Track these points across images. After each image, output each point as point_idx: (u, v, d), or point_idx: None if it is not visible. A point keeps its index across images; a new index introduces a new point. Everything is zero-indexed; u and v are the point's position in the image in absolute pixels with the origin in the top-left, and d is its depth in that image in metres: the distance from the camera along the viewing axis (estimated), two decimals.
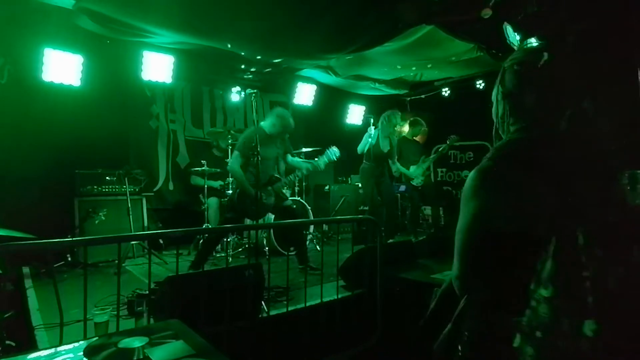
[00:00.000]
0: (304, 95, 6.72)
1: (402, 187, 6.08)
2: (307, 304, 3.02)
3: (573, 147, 0.94)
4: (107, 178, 4.81)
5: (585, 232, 0.87)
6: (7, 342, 2.27)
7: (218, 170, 5.10)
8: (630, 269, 0.86)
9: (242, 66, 5.75)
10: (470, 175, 1.06)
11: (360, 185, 6.18)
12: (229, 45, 4.74)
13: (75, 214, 4.53)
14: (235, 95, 6.18)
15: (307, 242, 5.20)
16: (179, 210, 5.72)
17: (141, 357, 1.00)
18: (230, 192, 4.79)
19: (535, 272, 0.92)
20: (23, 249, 2.20)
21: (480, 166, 1.05)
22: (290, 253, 4.18)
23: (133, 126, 5.57)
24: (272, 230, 4.75)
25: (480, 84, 6.77)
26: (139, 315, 2.72)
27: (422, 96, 7.92)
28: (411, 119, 6.39)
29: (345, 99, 7.66)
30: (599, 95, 0.95)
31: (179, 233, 2.89)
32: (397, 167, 5.62)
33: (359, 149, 5.33)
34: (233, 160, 3.98)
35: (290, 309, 3.00)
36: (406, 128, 6.47)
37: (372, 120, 5.25)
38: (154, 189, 5.61)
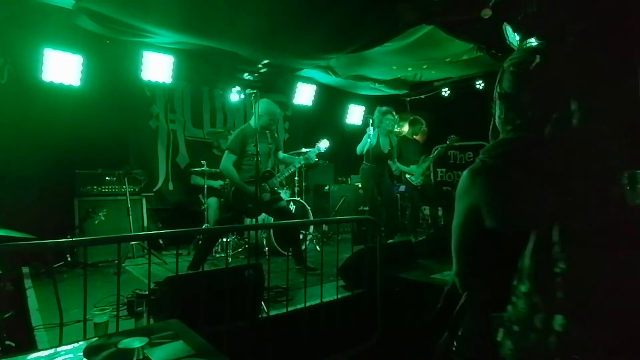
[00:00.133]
0: (304, 95, 6.73)
1: (402, 187, 6.09)
2: (307, 304, 3.02)
3: (563, 148, 0.95)
4: (107, 178, 4.81)
5: (561, 229, 0.89)
6: (7, 342, 2.27)
7: (218, 170, 5.10)
8: (608, 266, 0.88)
9: (243, 67, 5.75)
10: (463, 174, 1.09)
11: (360, 185, 6.18)
12: (232, 45, 4.75)
13: (75, 214, 4.53)
14: (235, 95, 6.18)
15: (307, 242, 5.20)
16: (179, 211, 5.73)
17: (141, 357, 1.00)
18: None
19: (517, 269, 0.95)
20: (23, 249, 2.21)
21: (473, 166, 1.08)
22: (289, 253, 4.18)
23: (133, 126, 5.57)
24: (271, 231, 4.75)
25: (480, 84, 6.77)
26: (139, 315, 2.72)
27: (422, 96, 7.92)
28: (411, 118, 6.39)
29: (345, 99, 7.66)
30: (597, 95, 0.95)
31: (178, 233, 2.89)
32: (397, 165, 5.62)
33: (358, 149, 5.33)
34: (225, 160, 3.95)
35: (290, 309, 3.00)
36: (406, 127, 6.46)
37: (371, 121, 5.25)
38: (154, 189, 5.61)
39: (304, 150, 5.80)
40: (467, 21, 4.04)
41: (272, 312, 2.95)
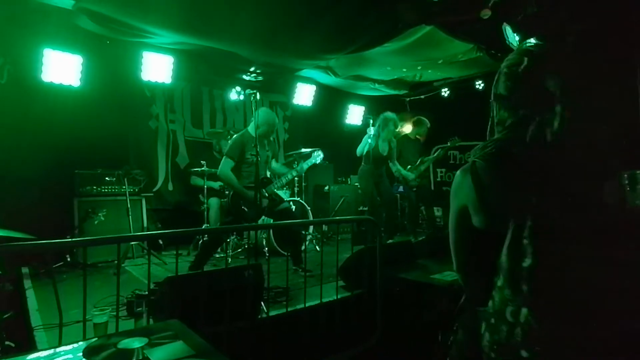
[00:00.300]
0: (304, 95, 6.72)
1: (401, 188, 6.08)
2: (307, 305, 3.02)
3: (545, 148, 0.97)
4: (107, 178, 4.81)
5: (531, 225, 0.92)
6: (7, 342, 2.27)
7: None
8: (574, 261, 0.90)
9: (243, 68, 5.75)
10: (457, 174, 1.14)
11: (359, 185, 6.19)
12: (232, 45, 4.75)
13: (75, 214, 4.53)
14: (235, 95, 6.18)
15: (307, 243, 5.20)
16: (179, 211, 5.73)
17: (141, 357, 1.00)
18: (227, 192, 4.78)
19: (497, 265, 0.99)
20: (22, 250, 2.20)
21: (465, 166, 1.12)
22: (289, 254, 4.18)
23: (133, 126, 5.56)
24: (271, 231, 4.75)
25: (479, 85, 6.77)
26: (139, 315, 2.71)
27: (422, 96, 7.92)
28: (415, 118, 6.35)
29: (345, 99, 7.66)
30: (596, 95, 0.96)
31: (178, 233, 2.88)
32: (397, 168, 5.62)
33: (358, 151, 5.33)
34: (223, 165, 3.92)
35: (289, 309, 3.00)
36: (409, 127, 6.44)
37: (371, 121, 5.25)
38: (154, 189, 5.61)
39: (303, 150, 5.81)
40: (466, 21, 4.05)
41: (272, 313, 2.95)
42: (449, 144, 6.08)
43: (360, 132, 5.74)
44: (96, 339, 1.14)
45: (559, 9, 1.10)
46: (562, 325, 0.88)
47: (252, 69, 5.87)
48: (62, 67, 4.52)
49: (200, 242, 4.88)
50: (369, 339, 3.14)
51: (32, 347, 2.43)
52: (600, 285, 0.88)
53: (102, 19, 4.02)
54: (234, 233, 4.91)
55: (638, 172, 0.90)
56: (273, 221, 4.15)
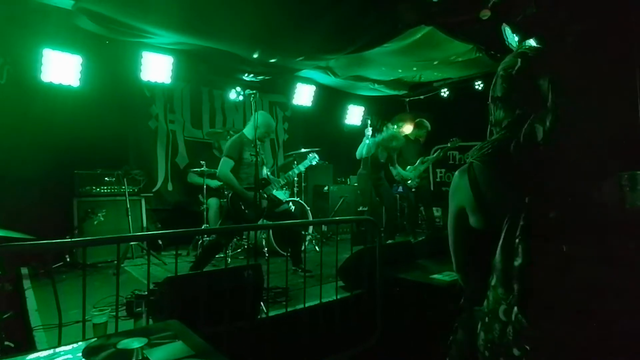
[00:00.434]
0: (303, 95, 6.73)
1: (401, 188, 6.09)
2: (307, 305, 3.02)
3: (536, 149, 0.99)
4: (106, 178, 4.81)
5: (523, 224, 0.93)
6: (6, 342, 2.27)
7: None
8: (564, 261, 0.91)
9: (242, 68, 5.74)
10: (455, 175, 1.17)
11: (358, 187, 6.19)
12: (232, 46, 4.75)
13: (74, 214, 4.53)
14: (235, 95, 6.18)
15: (307, 243, 5.20)
16: (178, 211, 5.72)
17: (140, 357, 1.00)
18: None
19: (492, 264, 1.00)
20: (22, 250, 2.20)
21: (462, 167, 1.14)
22: (289, 254, 4.18)
23: (132, 126, 5.56)
24: (271, 231, 4.75)
25: (479, 85, 6.77)
26: (138, 316, 2.71)
27: (421, 97, 7.92)
28: (416, 120, 6.34)
29: (345, 99, 7.66)
30: (595, 95, 0.97)
31: (178, 233, 2.88)
32: (397, 171, 5.63)
33: (357, 154, 5.33)
34: (223, 166, 3.90)
35: (289, 309, 3.00)
36: (409, 128, 6.43)
37: (369, 122, 5.26)
38: (153, 190, 5.61)
39: (303, 151, 5.81)
40: (466, 22, 4.04)
41: (272, 313, 2.95)
42: (449, 145, 6.08)
43: (360, 132, 5.74)
44: (96, 339, 1.14)
45: (558, 10, 1.11)
46: (553, 324, 0.89)
47: (251, 69, 5.87)
48: (61, 67, 4.52)
49: (200, 243, 4.88)
50: (369, 339, 3.14)
51: (31, 348, 2.43)
52: (596, 285, 0.88)
53: (102, 19, 4.02)
54: (234, 238, 4.90)
55: (638, 172, 0.91)
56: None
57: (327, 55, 5.32)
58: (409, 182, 5.86)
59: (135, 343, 1.04)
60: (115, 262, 3.33)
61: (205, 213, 5.10)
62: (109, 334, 1.81)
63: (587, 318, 0.87)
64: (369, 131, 5.17)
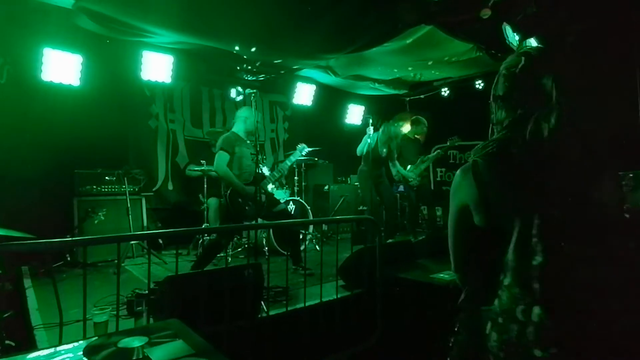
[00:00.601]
0: (304, 95, 6.72)
1: (401, 187, 6.09)
2: (307, 304, 3.02)
3: (542, 147, 0.98)
4: (107, 178, 4.81)
5: (540, 223, 0.93)
6: (7, 341, 2.27)
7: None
8: (584, 259, 0.90)
9: (242, 67, 5.75)
10: (457, 173, 1.15)
11: (359, 186, 6.19)
12: (232, 45, 4.75)
13: (75, 213, 4.53)
14: (235, 95, 6.17)
15: (307, 242, 5.20)
16: (179, 210, 5.72)
17: (141, 356, 1.00)
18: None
19: (503, 263, 0.99)
20: (22, 249, 2.20)
21: (464, 165, 1.13)
22: (289, 253, 4.18)
23: (132, 126, 5.56)
24: (271, 230, 4.75)
25: (479, 84, 6.77)
26: (139, 315, 2.72)
27: (422, 96, 7.92)
28: (413, 117, 6.35)
29: (345, 98, 7.66)
30: (595, 95, 0.97)
31: (178, 233, 2.89)
32: (397, 169, 5.63)
33: (358, 151, 5.33)
34: (219, 160, 3.88)
35: (289, 308, 3.00)
36: (407, 127, 6.44)
37: (370, 121, 5.25)
38: (154, 189, 5.61)
39: (301, 147, 5.80)
40: (466, 21, 4.04)
41: (272, 312, 2.95)
42: (448, 144, 6.08)
43: (360, 131, 5.74)
44: (96, 338, 1.14)
45: (558, 9, 1.11)
46: (577, 323, 0.88)
47: (251, 69, 5.87)
48: (62, 67, 4.52)
49: (200, 242, 4.89)
50: (369, 338, 3.14)
51: (32, 346, 2.44)
52: (613, 284, 0.88)
53: (102, 18, 4.02)
54: (234, 237, 4.90)
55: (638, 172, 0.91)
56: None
57: (327, 55, 5.32)
58: (411, 181, 5.86)
59: (135, 342, 1.05)
60: (116, 261, 3.33)
61: (205, 212, 5.10)
62: (109, 332, 1.81)
63: (614, 318, 0.86)
64: (370, 130, 5.16)
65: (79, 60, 4.62)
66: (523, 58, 1.06)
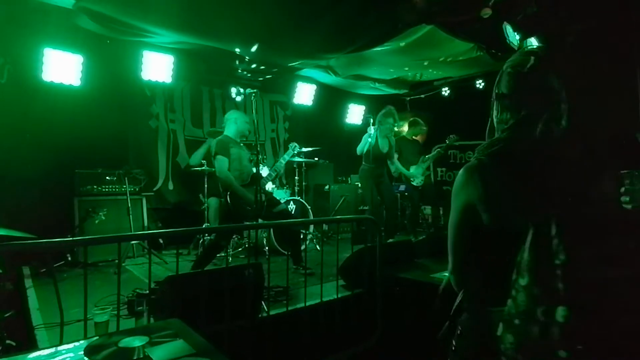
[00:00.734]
0: (304, 95, 6.73)
1: (402, 187, 6.09)
2: (307, 304, 3.02)
3: (551, 148, 0.98)
4: (107, 178, 4.81)
5: (558, 223, 0.91)
6: (8, 341, 2.28)
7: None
8: (604, 258, 0.90)
9: (242, 67, 5.75)
10: (459, 172, 1.13)
11: (359, 185, 6.19)
12: (232, 45, 4.75)
13: (75, 213, 4.53)
14: (235, 94, 6.18)
15: (307, 242, 5.20)
16: (179, 210, 5.73)
17: (141, 356, 1.00)
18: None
19: (516, 263, 0.97)
20: (23, 249, 2.21)
21: (468, 164, 1.12)
22: (289, 253, 4.18)
23: (133, 126, 5.57)
24: (271, 230, 4.75)
25: (480, 84, 6.77)
26: (139, 314, 2.72)
27: (422, 96, 7.92)
28: (410, 119, 6.39)
29: (345, 98, 7.66)
30: (596, 95, 0.97)
31: (178, 233, 2.89)
32: (396, 167, 5.62)
33: (358, 149, 5.32)
34: (220, 166, 3.89)
35: (290, 308, 3.00)
36: (405, 128, 6.47)
37: (371, 120, 5.25)
38: (154, 189, 5.61)
39: (304, 150, 5.81)
40: (467, 21, 4.04)
41: (272, 312, 2.95)
42: (447, 142, 6.09)
43: (361, 131, 5.74)
44: (97, 337, 1.14)
45: (558, 9, 1.11)
46: (603, 322, 0.87)
47: (252, 69, 5.87)
48: (62, 67, 4.52)
49: (200, 242, 4.89)
50: (369, 338, 3.14)
51: (33, 346, 2.44)
52: (636, 282, 0.87)
53: (103, 18, 4.02)
54: (235, 236, 4.90)
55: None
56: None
57: (327, 55, 5.32)
58: (415, 180, 5.87)
59: (136, 342, 1.05)
60: (116, 261, 3.34)
61: (205, 212, 5.11)
62: (110, 332, 1.81)
63: (637, 314, 0.86)
64: (371, 130, 5.16)
65: (79, 60, 4.62)
66: (532, 58, 1.04)
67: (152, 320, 2.56)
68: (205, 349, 1.05)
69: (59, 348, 1.07)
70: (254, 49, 4.86)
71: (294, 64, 5.77)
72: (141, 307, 2.73)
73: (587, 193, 0.93)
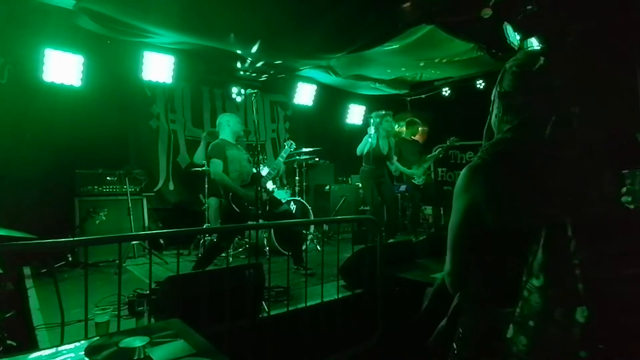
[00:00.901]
0: (304, 95, 6.73)
1: (403, 187, 6.09)
2: (308, 304, 3.02)
3: (559, 148, 0.97)
4: (108, 178, 4.82)
5: (574, 223, 0.91)
6: (8, 342, 2.28)
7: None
8: (614, 261, 0.89)
9: (242, 67, 5.75)
10: (462, 172, 1.10)
11: (360, 185, 6.19)
12: (233, 45, 4.75)
13: (76, 213, 4.54)
14: (235, 95, 6.18)
15: (308, 242, 5.20)
16: (179, 210, 5.73)
17: (142, 356, 1.00)
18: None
19: (526, 264, 0.95)
20: (24, 249, 2.21)
21: (471, 164, 1.09)
22: (290, 253, 4.17)
23: (133, 126, 5.57)
24: (272, 230, 4.75)
25: (480, 84, 6.77)
26: (140, 315, 2.72)
27: (422, 96, 7.92)
28: (407, 119, 6.40)
29: (346, 98, 7.66)
30: (597, 95, 0.96)
31: (179, 233, 2.89)
32: (396, 166, 5.63)
33: (358, 150, 5.33)
34: (214, 168, 3.90)
35: (290, 308, 3.00)
36: (404, 129, 6.47)
37: (371, 121, 5.25)
38: (155, 189, 5.61)
39: (304, 150, 5.81)
40: (467, 21, 4.04)
41: (273, 312, 2.95)
42: (447, 143, 6.09)
43: (361, 131, 5.74)
44: (98, 338, 1.14)
45: (558, 9, 1.10)
46: (625, 321, 0.86)
47: (252, 69, 5.87)
48: (63, 67, 4.52)
49: (201, 243, 4.89)
50: (370, 338, 3.14)
51: (33, 347, 2.44)
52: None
53: (103, 18, 4.03)
54: (236, 238, 4.90)
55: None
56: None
57: (327, 55, 5.32)
58: (417, 179, 5.87)
59: (137, 342, 1.05)
60: (117, 261, 3.34)
61: (206, 212, 5.11)
62: (111, 332, 1.82)
63: None
64: (371, 130, 5.16)
65: (80, 60, 4.63)
66: (542, 59, 1.02)
67: (152, 320, 2.56)
68: (206, 349, 1.05)
69: (60, 348, 1.07)
70: (254, 49, 4.86)
71: (294, 64, 5.78)
72: (142, 308, 2.73)
73: (596, 193, 0.92)
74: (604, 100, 0.97)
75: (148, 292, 2.73)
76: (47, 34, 4.39)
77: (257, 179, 3.76)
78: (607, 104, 0.96)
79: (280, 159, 4.50)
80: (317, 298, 3.09)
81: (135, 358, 1.00)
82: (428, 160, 6.07)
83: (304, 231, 4.95)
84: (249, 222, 4.02)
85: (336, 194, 6.38)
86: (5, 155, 4.21)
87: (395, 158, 5.61)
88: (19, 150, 4.31)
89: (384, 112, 5.32)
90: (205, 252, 4.14)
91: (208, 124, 6.30)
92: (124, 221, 4.55)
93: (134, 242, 4.77)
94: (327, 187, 6.48)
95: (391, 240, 5.10)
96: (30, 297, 3.29)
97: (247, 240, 4.90)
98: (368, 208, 5.45)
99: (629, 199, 0.90)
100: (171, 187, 5.85)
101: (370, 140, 5.16)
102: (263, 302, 2.92)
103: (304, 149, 5.87)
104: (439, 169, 7.80)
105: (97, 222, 4.60)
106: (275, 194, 4.51)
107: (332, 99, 7.30)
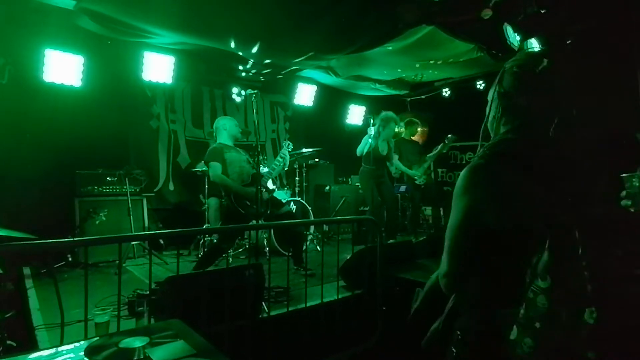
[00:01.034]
0: (304, 95, 6.73)
1: (403, 188, 6.09)
2: (308, 304, 3.02)
3: (560, 149, 0.96)
4: (108, 178, 4.82)
5: (581, 224, 0.90)
6: (8, 342, 2.28)
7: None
8: (620, 261, 0.89)
9: (242, 67, 5.75)
10: (462, 173, 1.09)
11: (360, 186, 6.19)
12: (233, 45, 4.75)
13: (76, 214, 4.54)
14: (235, 95, 6.18)
15: (308, 243, 5.20)
16: (180, 211, 5.73)
17: (142, 357, 1.00)
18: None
19: (529, 264, 0.94)
20: (24, 249, 2.21)
21: (472, 164, 1.08)
22: (290, 253, 4.17)
23: (133, 126, 5.57)
24: (272, 231, 4.75)
25: (480, 85, 6.77)
26: (140, 315, 2.72)
27: (423, 97, 7.92)
28: (406, 119, 6.40)
29: (346, 99, 7.67)
30: (597, 95, 0.96)
31: (179, 233, 2.88)
32: (396, 166, 5.63)
33: (358, 151, 5.33)
34: (213, 171, 3.92)
35: (290, 309, 3.00)
36: (403, 129, 6.47)
37: (371, 121, 5.25)
38: (155, 189, 5.61)
39: (304, 151, 5.80)
40: (467, 21, 4.04)
41: (273, 312, 2.95)
42: (445, 142, 6.09)
43: (361, 132, 5.74)
44: (97, 338, 1.14)
45: (559, 10, 1.10)
46: (634, 322, 0.86)
47: (252, 69, 5.87)
48: (63, 68, 4.53)
49: (201, 243, 4.89)
50: (370, 338, 3.14)
51: (33, 347, 2.44)
52: None
53: (103, 19, 4.03)
54: (236, 239, 4.89)
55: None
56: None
57: (327, 56, 5.32)
58: (418, 179, 5.87)
59: (137, 342, 1.05)
60: (117, 261, 3.34)
61: (206, 213, 5.11)
62: (110, 333, 1.81)
63: None
64: (371, 130, 5.16)
65: (80, 61, 4.63)
66: (545, 60, 1.02)
67: (152, 320, 2.56)
68: (206, 349, 1.05)
69: (60, 348, 1.07)
70: (254, 49, 4.86)
71: (294, 65, 5.78)
72: (142, 308, 2.73)
73: (598, 193, 0.92)
74: (605, 100, 0.97)
75: (148, 292, 2.73)
76: (48, 34, 4.39)
77: (258, 179, 3.76)
78: (608, 104, 0.96)
79: (280, 158, 4.50)
80: (317, 298, 3.09)
81: (135, 358, 1.00)
82: (428, 160, 6.07)
83: (304, 232, 4.94)
84: (252, 219, 4.03)
85: (336, 195, 6.38)
86: (6, 155, 4.21)
87: (396, 157, 5.60)
88: (19, 151, 4.31)
89: (389, 116, 5.29)
90: (205, 253, 4.14)
91: (208, 124, 6.30)
92: (124, 221, 4.55)
93: (134, 243, 4.77)
94: (327, 188, 6.48)
95: (391, 241, 5.10)
96: (30, 297, 3.29)
97: (247, 240, 4.90)
98: (368, 208, 5.45)
99: (629, 202, 0.89)
100: (171, 187, 5.85)
101: (370, 140, 5.16)
102: (263, 303, 2.92)
103: (304, 150, 5.87)
104: (439, 170, 7.80)
105: (97, 222, 4.60)
106: (275, 195, 4.52)
107: (332, 99, 7.31)
